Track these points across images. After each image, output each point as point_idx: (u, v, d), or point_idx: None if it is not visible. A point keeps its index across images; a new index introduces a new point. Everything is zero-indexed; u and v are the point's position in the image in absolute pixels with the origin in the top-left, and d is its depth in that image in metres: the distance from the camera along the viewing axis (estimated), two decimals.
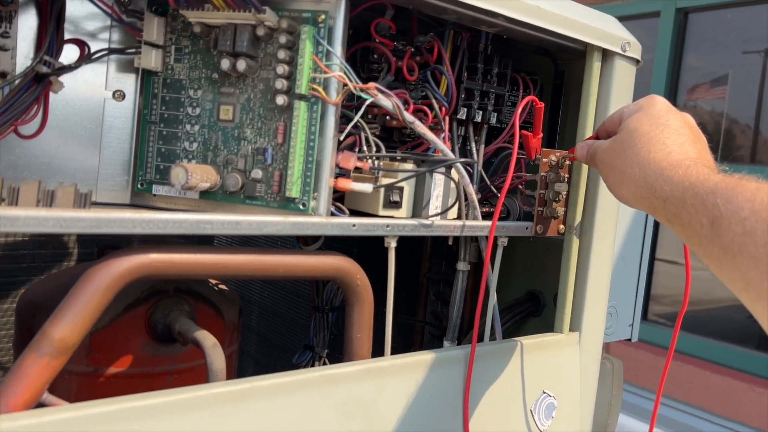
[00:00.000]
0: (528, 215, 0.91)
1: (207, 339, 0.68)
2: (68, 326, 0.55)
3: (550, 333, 0.92)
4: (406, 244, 0.87)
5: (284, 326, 1.25)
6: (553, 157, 0.87)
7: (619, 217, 0.96)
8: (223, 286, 0.90)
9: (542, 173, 0.87)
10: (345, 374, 0.69)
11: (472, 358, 0.79)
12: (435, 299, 1.16)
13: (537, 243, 1.02)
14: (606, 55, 0.89)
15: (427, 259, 1.17)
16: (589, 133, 0.90)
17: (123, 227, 0.56)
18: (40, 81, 0.66)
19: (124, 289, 0.60)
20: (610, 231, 0.94)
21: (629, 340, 1.12)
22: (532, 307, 1.05)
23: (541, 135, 0.86)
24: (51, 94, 0.69)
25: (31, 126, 0.69)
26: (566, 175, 0.89)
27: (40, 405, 0.56)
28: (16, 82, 0.65)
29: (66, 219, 0.53)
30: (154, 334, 0.75)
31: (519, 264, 1.07)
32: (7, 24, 0.64)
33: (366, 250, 1.06)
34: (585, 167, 0.90)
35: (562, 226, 0.90)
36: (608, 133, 0.75)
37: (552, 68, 1.01)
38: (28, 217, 0.52)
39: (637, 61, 0.92)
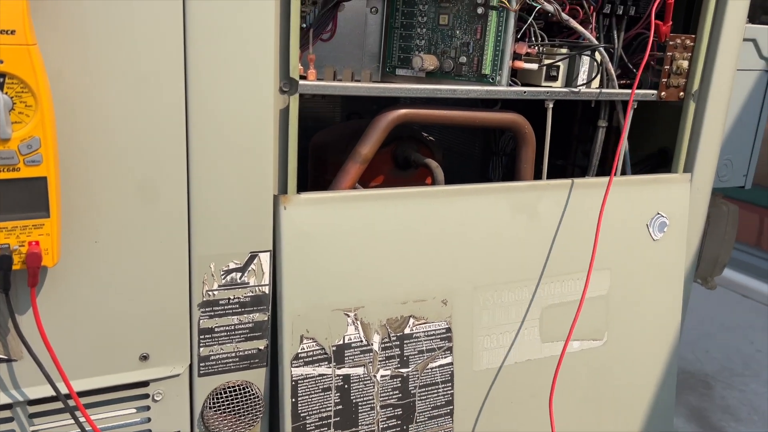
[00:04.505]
0: (655, 85, 1.22)
1: (432, 162, 1.13)
2: (367, 147, 1.02)
3: (668, 173, 1.26)
4: (561, 109, 1.23)
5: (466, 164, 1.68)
6: (678, 40, 1.16)
7: (741, 83, 1.23)
8: (431, 138, 1.34)
9: (668, 53, 1.17)
10: (517, 186, 1.11)
11: (610, 183, 1.16)
12: (581, 154, 1.52)
13: (670, 110, 1.33)
14: None
15: (577, 124, 1.52)
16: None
17: (397, 92, 1.01)
18: (334, 6, 1.10)
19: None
20: (724, 97, 1.22)
21: (743, 187, 1.40)
22: (662, 160, 1.37)
23: (671, 23, 1.15)
24: (338, 13, 1.13)
25: (327, 34, 1.14)
26: (689, 54, 1.18)
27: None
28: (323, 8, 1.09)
29: (369, 88, 0.99)
30: (396, 163, 1.22)
31: (658, 126, 1.38)
32: None
33: (529, 115, 1.43)
34: (704, 48, 1.18)
35: (681, 93, 1.20)
36: None
37: None
38: (353, 86, 0.98)
39: None
